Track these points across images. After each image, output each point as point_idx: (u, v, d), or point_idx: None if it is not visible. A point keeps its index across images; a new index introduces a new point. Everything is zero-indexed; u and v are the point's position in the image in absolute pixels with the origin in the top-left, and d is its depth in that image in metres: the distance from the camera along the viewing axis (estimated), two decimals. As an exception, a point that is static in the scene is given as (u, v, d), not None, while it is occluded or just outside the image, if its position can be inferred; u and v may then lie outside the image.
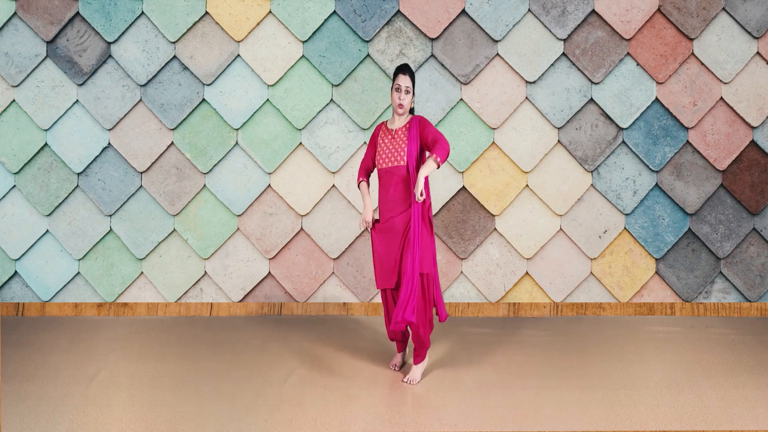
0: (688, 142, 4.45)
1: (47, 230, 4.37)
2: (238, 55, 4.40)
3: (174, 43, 4.38)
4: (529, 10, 4.42)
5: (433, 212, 4.38)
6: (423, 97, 4.39)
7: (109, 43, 4.36)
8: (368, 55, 4.42)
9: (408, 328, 3.36)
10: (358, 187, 3.29)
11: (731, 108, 4.44)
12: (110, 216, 4.39)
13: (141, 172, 4.39)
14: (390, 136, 3.19)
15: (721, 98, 4.45)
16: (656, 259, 4.46)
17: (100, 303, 4.37)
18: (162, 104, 4.37)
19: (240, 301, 4.40)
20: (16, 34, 4.35)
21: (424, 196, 2.98)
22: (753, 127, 4.45)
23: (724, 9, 4.44)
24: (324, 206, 4.43)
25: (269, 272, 4.42)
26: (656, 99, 4.44)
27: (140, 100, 4.38)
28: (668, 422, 2.82)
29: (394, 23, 4.42)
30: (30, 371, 3.35)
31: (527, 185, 4.44)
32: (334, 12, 4.40)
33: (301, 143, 4.42)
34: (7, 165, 4.34)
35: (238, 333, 4.00)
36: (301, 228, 4.42)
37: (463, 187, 4.42)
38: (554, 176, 4.44)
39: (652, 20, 4.44)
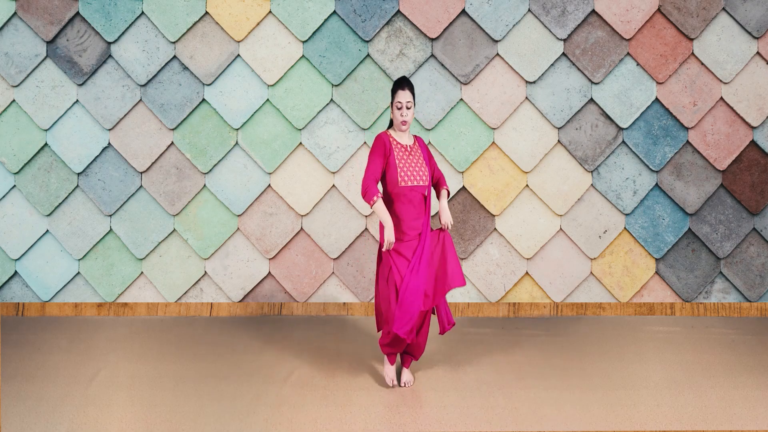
0: (688, 142, 4.45)
1: (47, 230, 4.37)
2: (238, 55, 4.40)
3: (174, 43, 4.38)
4: (529, 10, 4.42)
5: (432, 212, 4.38)
6: (423, 97, 4.39)
7: (109, 43, 4.36)
8: (368, 55, 4.42)
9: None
10: (372, 205, 2.96)
11: (731, 108, 4.44)
12: (110, 216, 4.39)
13: (141, 172, 4.39)
14: (407, 153, 3.08)
15: (721, 98, 4.45)
16: (656, 259, 4.46)
17: (100, 303, 4.37)
18: (162, 104, 4.37)
19: (240, 301, 4.40)
20: (16, 34, 4.35)
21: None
22: (753, 127, 4.45)
23: (724, 9, 4.44)
24: (324, 206, 4.43)
25: (269, 272, 4.42)
26: (656, 99, 4.44)
27: (140, 100, 4.38)
28: (668, 422, 2.82)
29: (394, 23, 4.42)
30: (30, 371, 3.35)
31: (527, 185, 4.44)
32: (334, 12, 4.40)
33: (301, 143, 4.42)
34: (7, 165, 4.34)
35: (238, 333, 4.00)
36: (301, 228, 4.42)
37: (463, 187, 4.42)
38: (554, 176, 4.44)
39: (652, 20, 4.44)
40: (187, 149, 4.39)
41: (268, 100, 4.40)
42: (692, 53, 4.44)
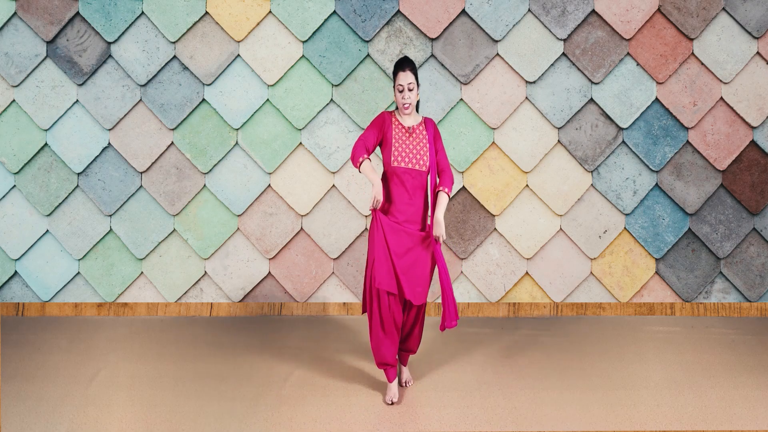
0: (688, 142, 4.45)
1: (47, 230, 4.37)
2: (238, 55, 4.40)
3: (174, 43, 4.38)
4: (529, 10, 4.42)
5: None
6: (423, 97, 4.39)
7: (109, 43, 4.36)
8: (368, 55, 4.42)
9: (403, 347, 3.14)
10: (358, 165, 2.83)
11: (731, 108, 4.44)
12: (110, 216, 4.39)
13: (141, 172, 4.39)
14: (407, 133, 2.90)
15: (721, 98, 4.45)
16: (656, 259, 4.46)
17: (100, 303, 4.37)
18: (162, 104, 4.37)
19: (240, 301, 4.40)
20: (16, 34, 4.35)
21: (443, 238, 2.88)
22: (753, 127, 4.45)
23: (724, 9, 4.44)
24: (324, 206, 4.43)
25: (269, 272, 4.42)
26: (656, 99, 4.44)
27: (140, 100, 4.38)
28: (668, 422, 2.82)
29: (394, 23, 4.42)
30: (30, 371, 3.35)
31: (527, 185, 4.44)
32: (334, 12, 4.40)
33: (301, 143, 4.42)
34: (7, 165, 4.34)
35: (238, 333, 4.00)
36: (301, 228, 4.42)
37: (463, 187, 4.42)
38: (554, 176, 4.44)
39: (652, 20, 4.44)
40: (187, 149, 4.39)
41: (268, 100, 4.40)
42: (692, 53, 4.44)
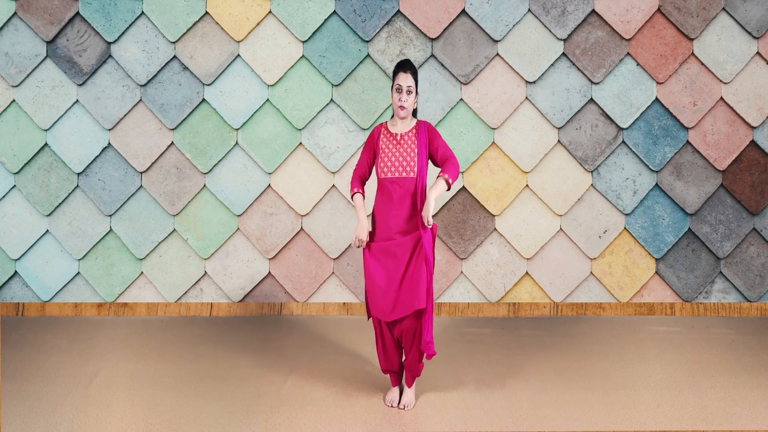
0: (688, 142, 4.44)
1: (47, 230, 4.37)
2: (238, 55, 4.40)
3: (174, 43, 4.38)
4: (529, 10, 4.42)
5: (433, 212, 4.38)
6: (423, 97, 4.39)
7: (109, 43, 4.36)
8: (368, 55, 4.42)
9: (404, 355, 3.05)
10: (352, 198, 2.87)
11: (731, 108, 4.44)
12: (110, 216, 4.39)
13: (141, 172, 4.39)
14: (395, 141, 2.83)
15: (721, 98, 4.45)
16: (656, 259, 4.46)
17: (100, 303, 4.37)
18: (162, 104, 4.37)
19: (240, 301, 4.40)
20: (16, 34, 4.35)
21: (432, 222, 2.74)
22: (753, 127, 4.45)
23: (724, 9, 4.44)
24: (324, 206, 4.43)
25: (269, 272, 4.42)
26: (656, 99, 4.44)
27: (140, 100, 4.38)
28: (668, 422, 2.82)
29: (394, 23, 4.42)
30: (30, 371, 3.35)
31: (527, 185, 4.44)
32: (334, 12, 4.40)
33: (301, 143, 4.42)
34: (7, 165, 4.34)
35: (238, 333, 4.00)
36: (301, 228, 4.42)
37: (463, 187, 4.42)
38: (554, 176, 4.44)
39: (652, 20, 4.44)
40: (187, 149, 4.39)
41: (268, 100, 4.40)
42: (692, 53, 4.44)
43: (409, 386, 2.99)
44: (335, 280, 4.43)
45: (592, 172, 4.45)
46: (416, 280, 2.75)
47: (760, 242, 4.47)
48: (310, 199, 4.41)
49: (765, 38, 4.45)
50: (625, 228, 4.45)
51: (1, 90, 4.35)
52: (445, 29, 4.41)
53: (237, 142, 4.40)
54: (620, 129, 4.44)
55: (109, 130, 4.38)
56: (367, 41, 4.40)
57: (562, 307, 4.44)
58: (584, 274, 4.44)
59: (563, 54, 4.43)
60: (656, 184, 4.45)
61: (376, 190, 2.91)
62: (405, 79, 2.79)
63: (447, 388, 3.17)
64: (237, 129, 4.40)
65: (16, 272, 4.38)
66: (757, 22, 4.42)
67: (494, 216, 4.43)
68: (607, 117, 4.44)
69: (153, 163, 4.39)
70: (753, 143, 4.45)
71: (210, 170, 4.40)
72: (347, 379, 3.26)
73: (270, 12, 4.40)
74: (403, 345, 2.92)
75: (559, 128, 4.44)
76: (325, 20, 4.40)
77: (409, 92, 2.80)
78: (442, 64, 4.41)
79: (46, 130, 4.36)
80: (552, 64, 4.43)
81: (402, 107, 2.80)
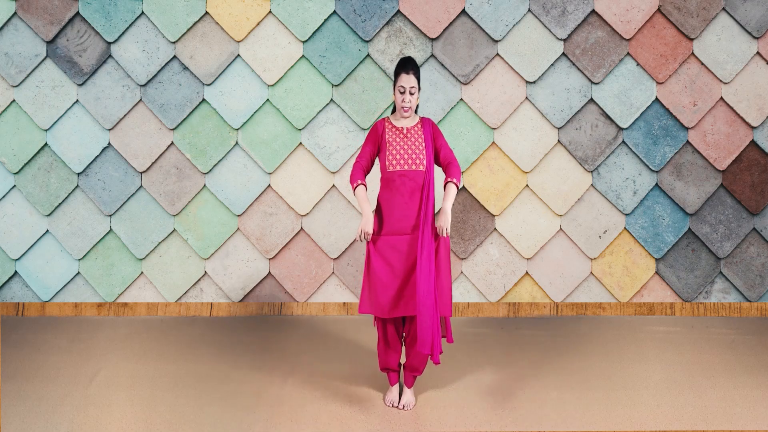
0: (688, 142, 4.44)
1: (47, 230, 4.37)
2: (238, 55, 4.40)
3: (174, 43, 4.38)
4: (529, 10, 4.42)
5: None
6: (423, 98, 4.39)
7: (109, 43, 4.36)
8: (368, 55, 4.42)
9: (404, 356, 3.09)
10: (354, 190, 2.79)
11: (731, 108, 4.44)
12: (110, 216, 4.39)
13: (141, 172, 4.39)
14: (402, 135, 2.81)
15: (721, 98, 4.45)
16: (656, 259, 4.46)
17: (100, 303, 4.37)
18: (162, 104, 4.37)
19: (240, 301, 4.40)
20: (16, 34, 4.35)
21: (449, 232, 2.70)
22: (753, 127, 4.45)
23: (724, 9, 4.44)
24: (324, 206, 4.43)
25: (269, 272, 4.42)
26: (656, 99, 4.44)
27: (140, 100, 4.38)
28: (668, 422, 2.82)
29: (394, 23, 4.42)
30: (30, 371, 3.35)
31: (527, 185, 4.44)
32: (334, 12, 4.40)
33: (301, 143, 4.42)
34: (7, 165, 4.34)
35: (238, 333, 4.00)
36: (301, 228, 4.42)
37: (463, 187, 4.42)
38: (554, 176, 4.44)
39: (652, 20, 4.44)
40: (187, 149, 4.39)
41: (268, 100, 4.40)
42: (692, 53, 4.44)
43: (409, 386, 2.99)
44: (335, 280, 4.43)
45: (592, 172, 4.45)
46: (441, 286, 2.75)
47: (760, 242, 4.47)
48: (310, 199, 4.41)
49: (765, 38, 4.45)
50: (625, 228, 4.45)
51: (1, 90, 4.35)
52: (445, 29, 4.41)
53: (237, 142, 4.40)
54: (620, 129, 4.44)
55: (109, 130, 4.38)
56: (367, 41, 4.40)
57: (562, 307, 4.44)
58: (584, 274, 4.44)
59: (563, 54, 4.43)
60: (656, 184, 4.45)
61: (380, 185, 2.87)
62: (407, 81, 2.79)
63: (447, 388, 3.17)
64: (237, 129, 4.40)
65: (16, 272, 4.37)
66: (757, 22, 4.42)
67: (494, 216, 4.43)
68: (607, 117, 4.44)
69: (153, 163, 4.39)
70: (753, 143, 4.45)
71: (210, 170, 4.40)
72: (347, 379, 3.26)
73: (270, 12, 4.40)
74: (407, 345, 2.93)
75: (559, 128, 4.44)
76: (325, 20, 4.40)
77: (411, 93, 2.80)
78: (442, 64, 4.41)
79: (46, 130, 4.36)
80: (552, 64, 4.43)
81: (406, 109, 2.80)
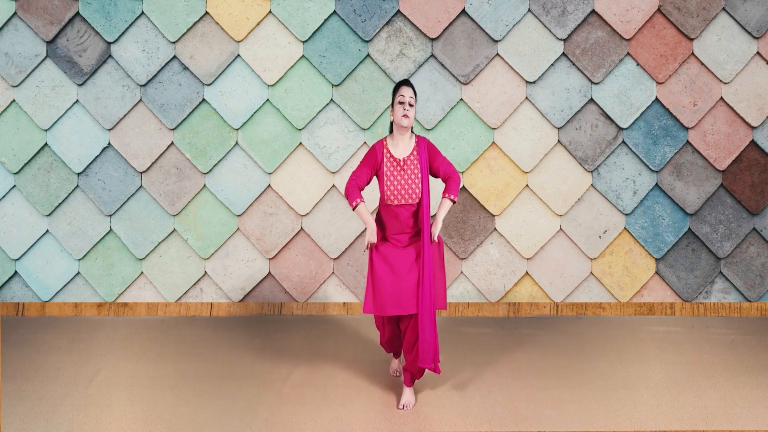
0: (688, 142, 4.45)
1: (47, 230, 4.37)
2: (238, 55, 4.40)
3: (174, 43, 4.38)
4: (529, 10, 4.42)
5: (432, 212, 4.37)
6: (423, 97, 4.39)
7: (109, 43, 4.36)
8: (368, 55, 4.42)
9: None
10: (354, 209, 2.98)
11: (731, 108, 4.44)
12: (110, 216, 4.39)
13: (141, 172, 4.39)
14: (398, 168, 2.97)
15: (721, 98, 4.45)
16: (656, 259, 4.46)
17: (100, 303, 4.37)
18: (162, 104, 4.37)
19: (240, 301, 4.40)
20: (16, 34, 4.35)
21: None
22: (753, 127, 4.45)
23: (724, 9, 4.44)
24: (324, 206, 4.43)
25: (269, 272, 4.42)
26: (656, 99, 4.44)
27: (140, 100, 4.38)
28: (668, 422, 2.82)
29: (394, 23, 4.42)
30: (30, 371, 3.35)
31: (527, 185, 4.44)
32: (334, 12, 4.40)
33: (301, 143, 4.42)
34: (7, 165, 4.34)
35: (238, 333, 4.00)
36: (301, 228, 4.42)
37: (463, 187, 4.42)
38: (554, 176, 4.44)
39: (652, 20, 4.44)
40: (187, 149, 4.39)
41: (268, 100, 4.40)
42: (692, 53, 4.44)
43: (409, 386, 3.03)
44: (335, 280, 4.43)
45: (592, 172, 4.45)
46: (437, 285, 3.02)
47: (760, 242, 4.47)
48: (310, 199, 4.41)
49: (765, 38, 4.45)
50: (625, 228, 4.46)
51: (1, 90, 4.35)
52: (445, 29, 4.41)
53: (237, 142, 4.40)
54: (620, 129, 4.44)
55: (109, 130, 4.38)
56: (367, 41, 4.40)
57: (562, 307, 4.44)
58: (584, 274, 4.44)
59: (563, 54, 4.43)
60: (656, 184, 4.45)
61: (379, 204, 3.08)
62: (407, 91, 2.96)
63: (447, 388, 3.17)
64: (237, 129, 4.40)
65: (16, 272, 4.38)
66: (757, 22, 4.42)
67: (494, 216, 4.43)
68: (607, 117, 4.44)
69: (153, 163, 4.39)
70: (753, 143, 4.45)
71: (210, 170, 4.40)
72: (347, 379, 3.26)
73: (270, 12, 4.40)
74: (404, 345, 3.00)
75: (559, 128, 4.44)
76: (325, 20, 4.40)
77: (411, 105, 2.95)
78: (442, 64, 4.41)
79: (46, 130, 4.36)
80: (552, 64, 4.43)
81: (406, 116, 2.94)
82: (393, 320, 3.08)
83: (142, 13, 4.36)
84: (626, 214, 4.45)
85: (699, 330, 4.13)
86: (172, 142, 4.39)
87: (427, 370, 3.32)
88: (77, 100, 4.36)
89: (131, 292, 4.40)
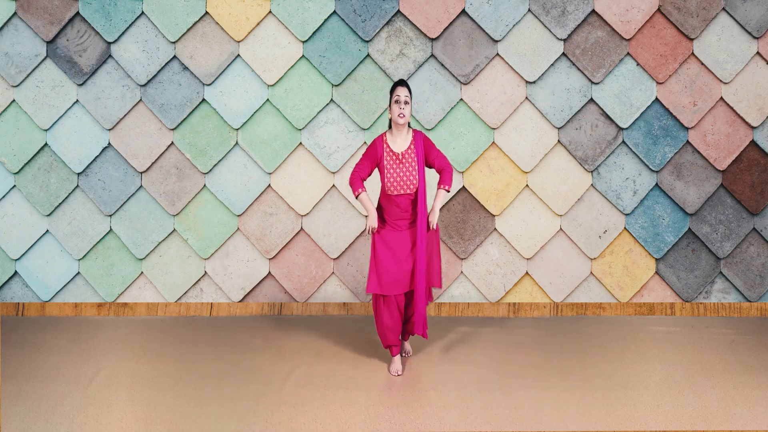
0: (688, 142, 4.45)
1: (47, 230, 4.37)
2: (238, 55, 4.40)
3: (174, 43, 4.38)
4: (529, 10, 4.42)
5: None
6: (423, 97, 4.39)
7: (109, 43, 4.36)
8: (368, 55, 4.42)
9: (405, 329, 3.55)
10: (357, 197, 3.28)
11: (731, 108, 4.44)
12: (110, 216, 4.39)
13: (141, 172, 4.39)
14: (397, 161, 3.26)
15: (721, 98, 4.45)
16: (656, 259, 4.46)
17: (100, 303, 4.37)
18: (162, 104, 4.37)
19: (240, 301, 4.40)
20: (16, 34, 4.35)
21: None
22: (753, 127, 4.45)
23: (724, 9, 4.44)
24: (324, 206, 4.43)
25: (269, 272, 4.42)
26: (656, 99, 4.44)
27: (140, 100, 4.38)
28: (668, 422, 2.82)
29: (394, 23, 4.42)
30: (30, 371, 3.35)
31: (527, 185, 4.44)
32: (334, 12, 4.40)
33: (301, 143, 4.42)
34: (7, 165, 4.34)
35: (238, 333, 4.00)
36: (301, 228, 4.42)
37: (463, 187, 4.42)
38: (554, 176, 4.44)
39: (652, 20, 4.44)
40: (187, 149, 4.39)
41: (268, 100, 4.40)
42: (692, 53, 4.44)
43: (406, 340, 3.53)
44: (335, 280, 4.43)
45: (592, 172, 4.45)
46: (433, 264, 3.39)
47: (760, 242, 4.47)
48: (310, 199, 4.41)
49: (765, 38, 4.45)
50: (625, 228, 4.46)
51: (1, 90, 4.35)
52: (445, 29, 4.41)
53: (237, 142, 4.40)
54: (620, 129, 4.44)
55: (109, 130, 4.38)
56: (367, 41, 4.40)
57: (562, 307, 4.44)
58: (584, 274, 4.44)
59: (563, 54, 4.43)
60: (656, 184, 4.45)
61: (380, 192, 3.36)
62: (402, 91, 3.24)
63: (447, 388, 3.17)
64: (237, 129, 4.40)
65: (16, 272, 4.38)
66: (757, 22, 4.42)
67: (494, 216, 4.43)
68: (607, 117, 4.44)
69: (153, 163, 4.39)
70: (753, 143, 4.45)
71: (210, 170, 4.40)
72: (347, 379, 3.26)
73: (270, 12, 4.40)
74: (407, 318, 3.41)
75: (559, 128, 4.44)
76: (325, 20, 4.40)
77: (406, 103, 3.24)
78: (442, 64, 4.41)
79: (46, 130, 4.36)
80: (552, 64, 4.43)
81: (401, 115, 3.22)
82: (392, 306, 3.29)
83: (142, 13, 4.37)
84: (626, 214, 4.45)
85: (699, 330, 4.13)
86: (172, 142, 4.40)
87: (424, 368, 3.32)
88: (77, 100, 4.36)
89: (131, 292, 4.40)
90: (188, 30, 4.38)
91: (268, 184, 4.41)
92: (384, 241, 3.28)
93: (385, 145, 3.29)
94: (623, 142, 4.44)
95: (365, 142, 4.40)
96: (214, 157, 4.39)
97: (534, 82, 4.43)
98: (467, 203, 4.43)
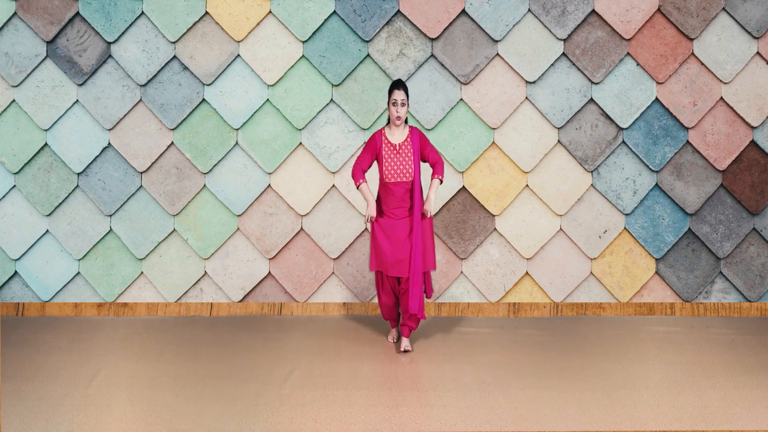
0: (688, 142, 4.45)
1: (47, 230, 4.37)
2: (238, 55, 4.40)
3: (174, 43, 4.38)
4: (529, 10, 4.42)
5: (433, 212, 4.38)
6: (423, 97, 4.39)
7: (109, 43, 4.37)
8: (368, 55, 4.42)
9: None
10: (357, 187, 3.58)
11: (731, 108, 4.44)
12: (110, 216, 4.39)
13: (141, 172, 4.39)
14: (395, 151, 3.55)
15: (721, 98, 4.45)
16: (656, 259, 4.46)
17: (100, 303, 4.37)
18: (162, 104, 4.37)
19: (240, 301, 4.41)
20: (16, 34, 4.35)
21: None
22: (753, 127, 4.45)
23: (724, 9, 4.44)
24: (324, 206, 4.43)
25: (269, 272, 4.42)
26: (656, 99, 4.44)
27: (140, 100, 4.38)
28: (668, 422, 2.82)
29: (394, 23, 4.42)
30: (30, 371, 3.35)
31: (527, 185, 4.44)
32: (334, 12, 4.40)
33: (301, 143, 4.42)
34: (7, 165, 4.34)
35: (238, 333, 4.00)
36: (301, 228, 4.42)
37: (463, 187, 4.42)
38: (554, 176, 4.44)
39: (652, 20, 4.44)
40: (187, 149, 4.39)
41: (268, 100, 4.40)
42: (692, 53, 4.44)
43: (406, 336, 3.67)
44: (335, 280, 4.43)
45: (592, 172, 4.45)
46: (427, 250, 3.60)
47: (760, 242, 4.47)
48: (310, 199, 4.41)
49: (765, 38, 4.45)
50: (625, 228, 4.46)
51: (1, 90, 4.35)
52: (445, 29, 4.41)
53: (237, 142, 4.40)
54: (620, 129, 4.44)
55: (109, 130, 4.38)
56: (367, 41, 4.40)
57: (562, 307, 4.44)
58: (584, 274, 4.44)
59: (563, 54, 4.43)
60: (656, 184, 4.45)
61: (379, 183, 3.61)
62: (399, 95, 3.53)
63: (447, 388, 3.17)
64: (237, 129, 4.41)
65: (16, 272, 4.38)
66: (757, 22, 4.42)
67: (494, 216, 4.43)
68: (607, 117, 4.44)
69: (153, 163, 4.39)
70: (753, 143, 4.46)
71: (210, 170, 4.40)
72: (347, 379, 3.26)
73: (270, 12, 4.40)
74: (402, 306, 3.63)
75: (559, 128, 4.44)
76: (325, 20, 4.40)
77: (402, 105, 3.53)
78: (442, 64, 4.41)
79: (46, 130, 4.36)
80: (552, 64, 4.43)
81: (398, 117, 3.53)
82: (387, 287, 3.64)
83: (142, 13, 4.37)
84: (626, 214, 4.45)
85: (699, 330, 4.13)
86: (172, 142, 4.40)
87: (424, 367, 3.33)
88: (77, 100, 4.36)
89: (131, 292, 4.40)
90: (188, 30, 4.38)
91: (268, 184, 4.41)
92: (382, 228, 3.57)
93: (383, 138, 3.59)
94: (623, 142, 4.44)
95: (365, 142, 4.40)
96: (214, 157, 4.39)
97: (534, 82, 4.43)
98: (467, 203, 4.43)
